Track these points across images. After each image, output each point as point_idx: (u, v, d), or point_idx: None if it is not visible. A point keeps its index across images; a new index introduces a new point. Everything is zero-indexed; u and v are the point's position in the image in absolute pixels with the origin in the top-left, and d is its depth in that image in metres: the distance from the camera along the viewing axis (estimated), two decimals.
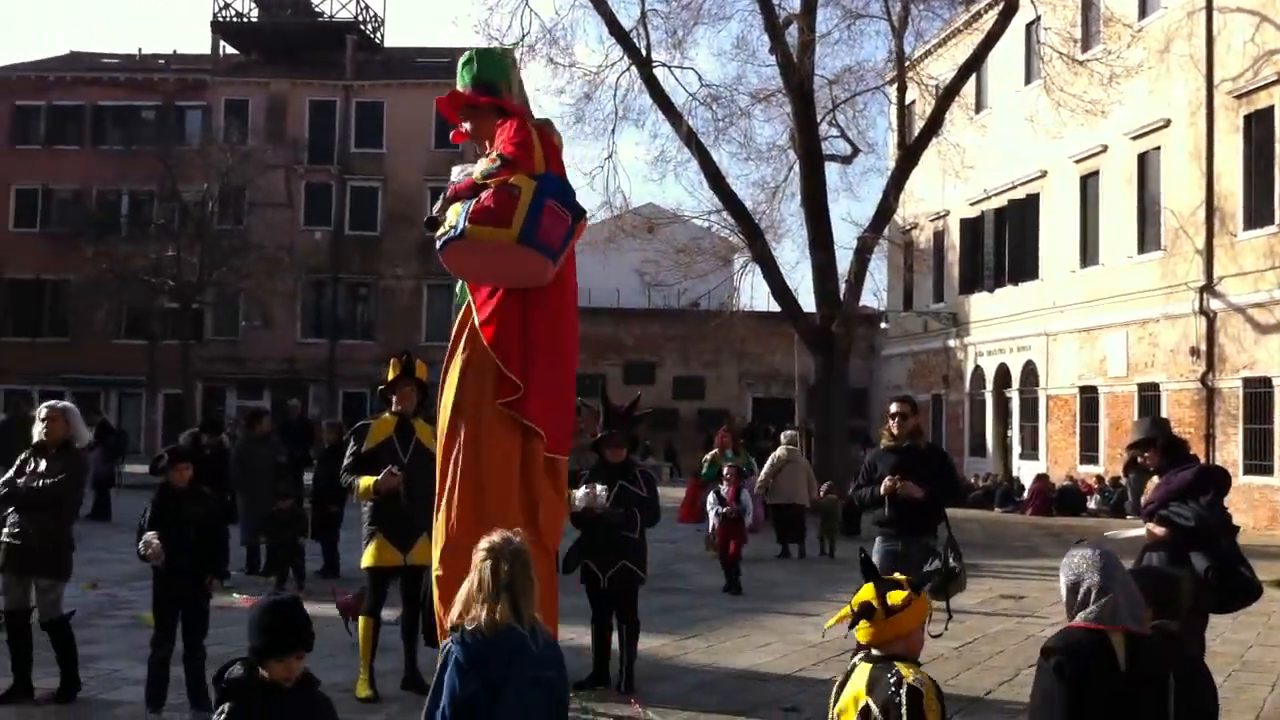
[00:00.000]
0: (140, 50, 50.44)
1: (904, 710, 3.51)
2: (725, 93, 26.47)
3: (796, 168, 25.19)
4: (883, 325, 41.65)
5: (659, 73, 24.97)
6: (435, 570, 5.53)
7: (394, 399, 8.34)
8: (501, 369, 5.36)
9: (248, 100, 45.96)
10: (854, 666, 3.77)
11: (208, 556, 7.38)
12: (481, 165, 5.38)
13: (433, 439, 8.37)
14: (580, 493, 8.41)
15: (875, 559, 9.13)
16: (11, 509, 7.68)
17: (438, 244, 5.41)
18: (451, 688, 3.82)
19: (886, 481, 8.10)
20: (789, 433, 18.53)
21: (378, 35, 49.95)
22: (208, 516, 7.50)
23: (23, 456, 7.83)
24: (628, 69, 24.92)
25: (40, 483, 7.63)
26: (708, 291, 30.71)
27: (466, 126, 5.71)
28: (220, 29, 48.02)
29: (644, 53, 24.60)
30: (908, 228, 36.48)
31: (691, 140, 24.63)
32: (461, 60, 5.81)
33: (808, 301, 26.06)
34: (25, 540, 7.59)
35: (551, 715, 3.97)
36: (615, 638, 8.48)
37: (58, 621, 7.68)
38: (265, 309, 42.20)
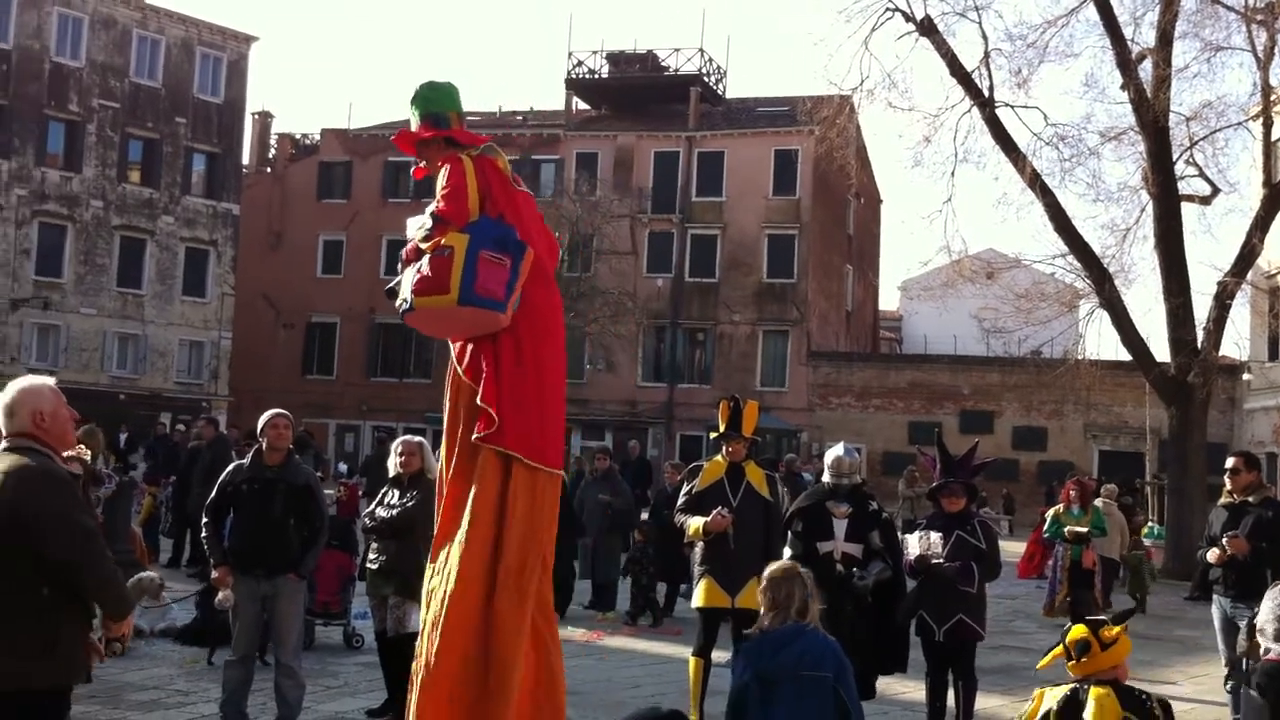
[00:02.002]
0: (500, 108, 53.53)
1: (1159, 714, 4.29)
2: (1072, 132, 25.51)
3: (1150, 209, 23.94)
4: (1245, 376, 38.81)
5: (1002, 113, 24.38)
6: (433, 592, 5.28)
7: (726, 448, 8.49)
8: (479, 402, 5.33)
9: (597, 153, 47.85)
10: (1074, 692, 4.39)
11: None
12: (421, 222, 5.44)
13: (764, 483, 8.48)
14: (914, 539, 8.26)
15: (1215, 619, 8.59)
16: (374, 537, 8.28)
17: (399, 314, 5.54)
18: (733, 677, 4.68)
19: (1214, 551, 7.67)
20: (1108, 486, 18.08)
21: (720, 87, 51.03)
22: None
23: (383, 489, 8.44)
24: (969, 110, 24.46)
25: (395, 512, 8.12)
26: (1050, 339, 29.52)
27: (423, 162, 5.73)
28: (573, 86, 50.34)
29: (986, 93, 24.08)
30: (1274, 272, 33.93)
31: (1036, 182, 23.87)
32: (410, 98, 5.83)
33: (1160, 350, 24.67)
34: (384, 565, 8.15)
35: (827, 709, 4.64)
36: (951, 695, 8.26)
37: (403, 639, 8.16)
38: (609, 353, 43.67)
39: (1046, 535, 16.48)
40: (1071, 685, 4.42)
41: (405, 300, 5.31)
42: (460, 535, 5.15)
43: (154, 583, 10.93)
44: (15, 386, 4.60)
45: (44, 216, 39.69)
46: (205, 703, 8.40)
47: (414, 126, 5.66)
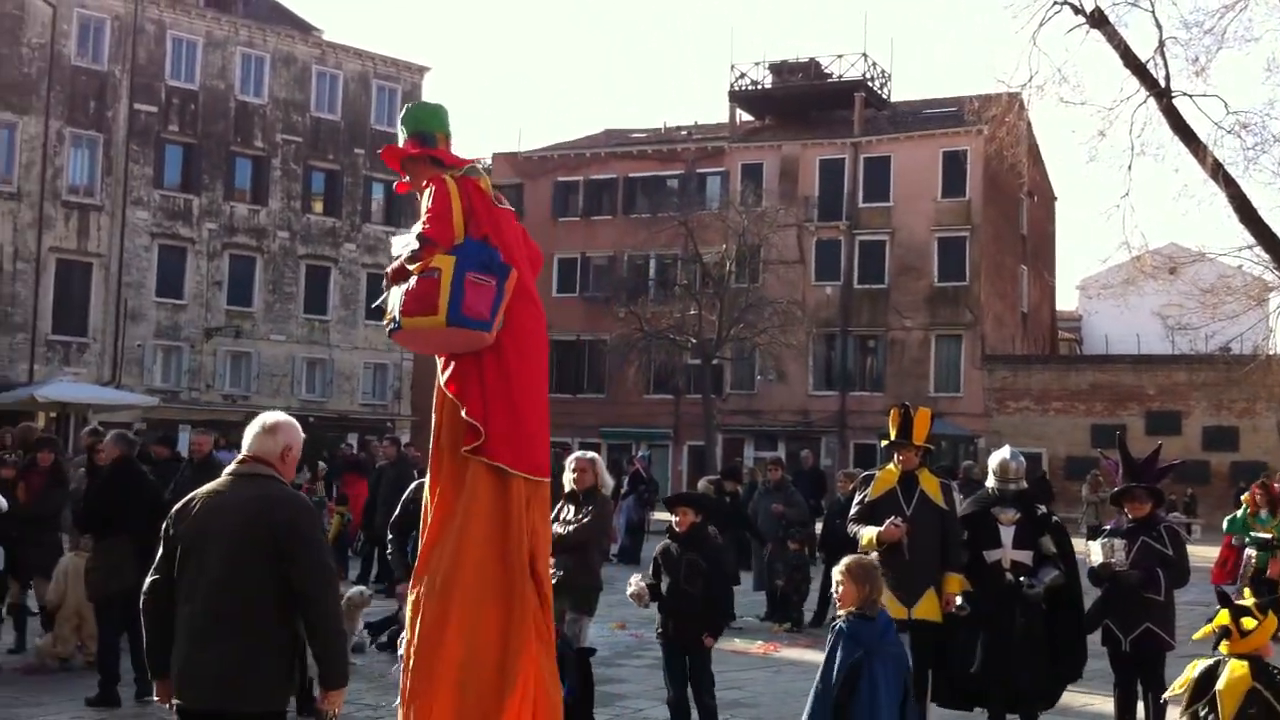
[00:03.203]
0: (665, 124, 53.91)
1: None
2: (1256, 119, 24.44)
3: None
4: None
5: (1179, 103, 23.53)
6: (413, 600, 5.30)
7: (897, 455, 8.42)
8: (464, 418, 5.40)
9: (762, 163, 47.82)
10: (1216, 663, 5.38)
11: (706, 608, 7.72)
12: (407, 240, 5.51)
13: (939, 491, 8.37)
14: (1097, 546, 8.07)
15: None
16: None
17: (387, 333, 5.65)
18: (842, 653, 5.65)
19: None
20: None
21: (884, 91, 50.49)
22: (706, 564, 7.82)
23: (558, 504, 8.58)
24: (1144, 101, 23.67)
25: (571, 528, 8.24)
26: (1239, 334, 28.35)
27: (408, 178, 5.80)
28: (736, 98, 50.42)
29: (1162, 83, 23.28)
30: None
31: (1218, 172, 22.96)
32: (400, 116, 5.99)
33: None
34: (559, 580, 8.28)
35: (900, 680, 5.71)
36: (1141, 706, 8.03)
37: (578, 653, 8.29)
38: (779, 363, 43.54)
39: (1225, 531, 15.85)
40: (1217, 658, 5.41)
41: (394, 320, 5.43)
42: (453, 544, 5.22)
43: (363, 596, 11.09)
44: (279, 416, 4.92)
45: (234, 249, 41.52)
46: (394, 717, 8.64)
47: (401, 143, 5.83)
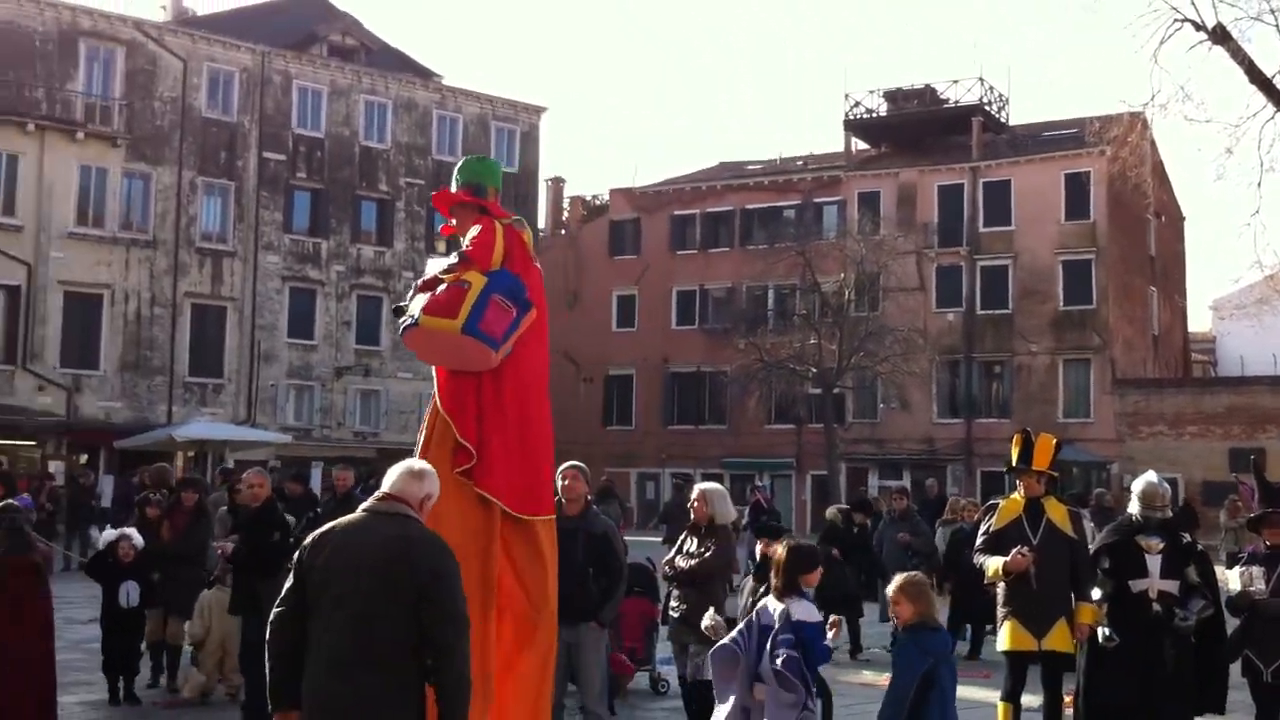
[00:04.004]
0: (780, 155, 54.01)
1: None
2: None
3: None
4: None
5: None
6: None
7: (1020, 482, 8.31)
8: (457, 438, 5.56)
9: (879, 191, 47.53)
10: None
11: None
12: (446, 264, 5.78)
13: (1066, 519, 8.21)
14: (1235, 574, 7.89)
15: None
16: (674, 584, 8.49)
17: (399, 329, 5.87)
18: (914, 664, 5.86)
19: None
20: None
21: (1002, 114, 49.90)
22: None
23: (682, 537, 8.65)
24: (1272, 117, 23.07)
25: (694, 562, 8.27)
26: None
27: (454, 221, 6.06)
28: (852, 126, 50.28)
29: None
30: None
31: None
32: (457, 166, 6.25)
33: None
34: (684, 613, 8.34)
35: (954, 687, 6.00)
36: None
37: (705, 685, 8.33)
38: (902, 391, 43.10)
39: None
40: None
41: (412, 316, 5.66)
42: None
43: None
44: (426, 465, 4.94)
45: (361, 290, 42.53)
46: None
47: (454, 189, 6.09)
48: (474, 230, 5.83)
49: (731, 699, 5.99)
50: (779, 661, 5.77)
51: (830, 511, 15.49)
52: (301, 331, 41.13)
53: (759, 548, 8.12)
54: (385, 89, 43.55)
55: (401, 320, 5.79)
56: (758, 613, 6.14)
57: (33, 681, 7.31)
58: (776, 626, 5.90)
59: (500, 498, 5.54)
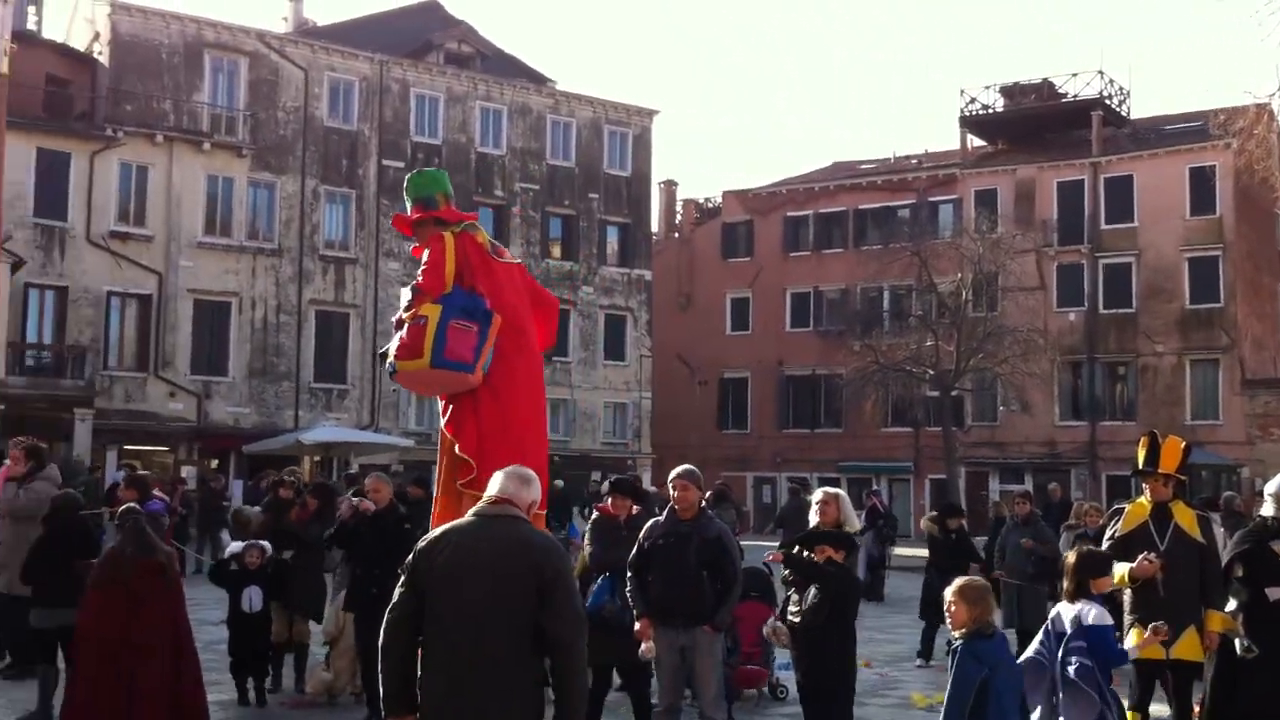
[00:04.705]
0: (894, 153, 53.47)
1: None
2: None
3: None
4: None
5: None
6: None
7: (1146, 486, 8.11)
8: (457, 452, 5.87)
9: (996, 189, 46.79)
10: None
11: (840, 642, 7.64)
12: (406, 295, 6.14)
13: (1194, 524, 8.00)
14: None
15: None
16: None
17: (389, 375, 6.27)
18: (969, 672, 5.71)
19: None
20: None
21: (1123, 108, 48.76)
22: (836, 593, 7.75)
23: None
24: None
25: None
26: None
27: (419, 241, 6.28)
28: (967, 123, 49.55)
29: None
30: None
31: None
32: (404, 186, 6.46)
33: None
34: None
35: (1019, 696, 5.85)
36: None
37: None
38: (1022, 393, 42.32)
39: None
40: None
41: (391, 365, 6.05)
42: None
43: None
44: (532, 471, 4.99)
45: None
46: None
47: (409, 209, 6.35)
48: (426, 252, 6.14)
49: (1038, 708, 6.29)
50: (1071, 670, 6.13)
51: (924, 524, 15.28)
52: None
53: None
54: (500, 95, 44.09)
55: (386, 367, 6.19)
56: (1052, 619, 6.46)
57: (164, 675, 7.52)
58: (1069, 633, 6.20)
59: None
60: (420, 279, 6.08)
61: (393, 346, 6.08)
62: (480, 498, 5.25)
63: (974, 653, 5.82)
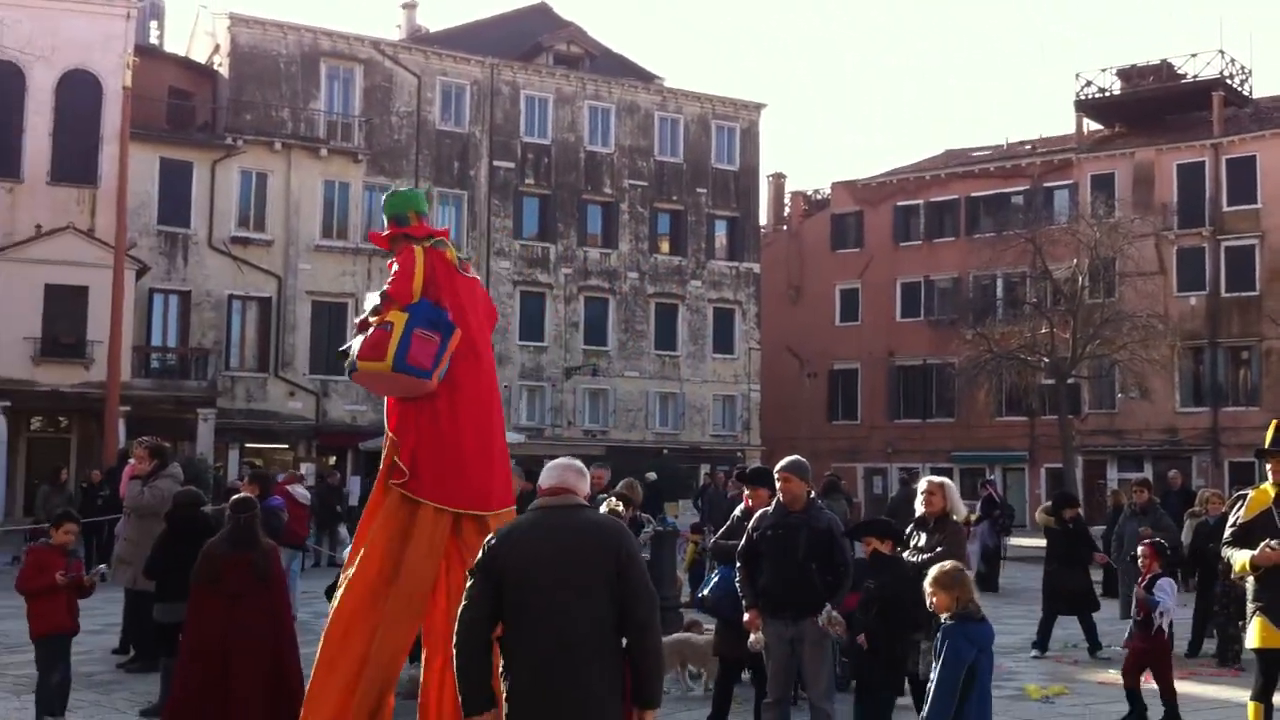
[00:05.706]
0: (1007, 140, 52.62)
1: None
2: None
3: None
4: None
5: None
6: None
7: (1270, 468, 7.91)
8: (394, 458, 6.29)
9: (1113, 173, 45.81)
10: None
11: (889, 644, 7.63)
12: (372, 299, 6.50)
13: None
14: None
15: None
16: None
17: (346, 372, 6.58)
18: (961, 652, 5.97)
19: None
20: None
21: (1245, 87, 47.37)
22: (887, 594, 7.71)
23: (908, 530, 8.54)
24: None
25: (924, 557, 8.16)
26: None
27: (395, 257, 6.60)
28: (1083, 107, 48.54)
29: None
30: None
31: None
32: (382, 205, 6.90)
33: None
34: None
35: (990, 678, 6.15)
36: None
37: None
38: (1141, 379, 41.36)
39: None
40: None
41: (352, 362, 6.39)
42: (358, 564, 6.24)
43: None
44: (580, 463, 5.10)
45: (588, 291, 43.50)
46: None
47: (385, 227, 6.76)
48: (394, 266, 6.53)
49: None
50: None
51: (1039, 517, 14.99)
52: (532, 333, 42.34)
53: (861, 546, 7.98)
54: (608, 94, 44.38)
55: (346, 365, 6.55)
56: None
57: (260, 678, 7.49)
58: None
59: (444, 502, 6.25)
60: (389, 286, 6.49)
61: (355, 346, 6.50)
62: (408, 497, 6.05)
63: (966, 634, 6.06)
